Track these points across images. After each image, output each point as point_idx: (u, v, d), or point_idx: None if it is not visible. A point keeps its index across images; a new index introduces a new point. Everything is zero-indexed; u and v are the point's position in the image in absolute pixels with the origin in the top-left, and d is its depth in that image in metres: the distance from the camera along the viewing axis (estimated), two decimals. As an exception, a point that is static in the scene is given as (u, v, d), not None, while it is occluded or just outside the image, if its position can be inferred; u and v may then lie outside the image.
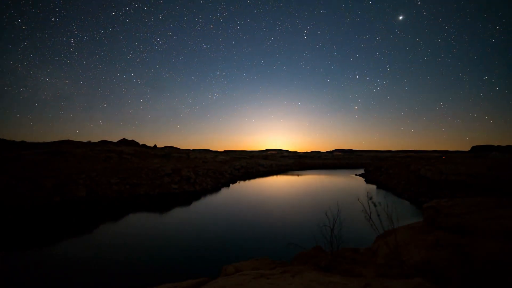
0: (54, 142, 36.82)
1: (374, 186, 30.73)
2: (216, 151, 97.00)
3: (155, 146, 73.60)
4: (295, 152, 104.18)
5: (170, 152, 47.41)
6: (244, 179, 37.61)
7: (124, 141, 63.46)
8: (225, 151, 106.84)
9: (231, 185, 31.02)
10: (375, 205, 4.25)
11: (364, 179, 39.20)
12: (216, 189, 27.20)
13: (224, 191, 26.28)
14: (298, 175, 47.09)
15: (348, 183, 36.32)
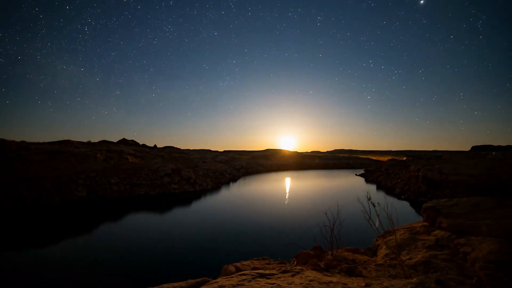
0: (54, 142, 36.82)
1: (374, 186, 30.74)
2: (216, 151, 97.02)
3: (155, 146, 73.60)
4: (295, 152, 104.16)
5: (170, 152, 47.43)
6: (244, 179, 37.61)
7: (124, 141, 63.45)
8: (225, 151, 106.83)
9: (231, 184, 31.02)
10: (374, 206, 4.25)
11: (364, 179, 39.21)
12: (216, 189, 27.19)
13: (224, 191, 26.27)
14: (298, 175, 47.09)
15: (348, 183, 36.33)
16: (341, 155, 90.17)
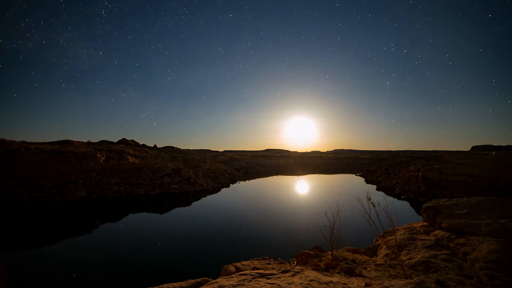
0: (54, 142, 36.85)
1: (374, 186, 30.74)
2: (216, 151, 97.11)
3: (155, 146, 73.63)
4: (295, 152, 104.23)
5: (170, 152, 47.44)
6: (244, 179, 37.62)
7: (124, 141, 63.45)
8: (225, 151, 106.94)
9: (231, 185, 31.03)
10: (374, 206, 4.26)
11: (364, 179, 39.21)
12: (216, 189, 27.20)
13: (224, 191, 26.28)
14: (298, 174, 47.10)
15: (348, 183, 36.35)
16: (342, 155, 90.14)
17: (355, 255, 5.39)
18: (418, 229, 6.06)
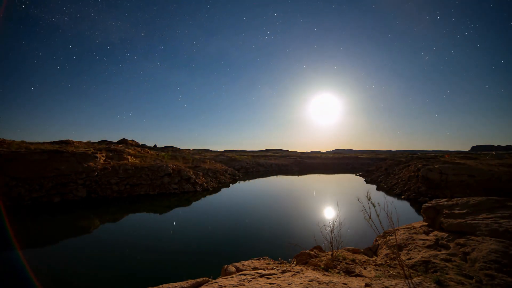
0: (54, 142, 36.83)
1: (374, 186, 30.73)
2: (216, 151, 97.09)
3: (155, 146, 73.64)
4: (295, 152, 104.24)
5: (170, 152, 47.43)
6: (244, 179, 37.61)
7: (124, 141, 63.43)
8: (225, 151, 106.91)
9: (231, 185, 31.02)
10: (374, 206, 4.25)
11: (364, 179, 39.20)
12: (216, 189, 27.20)
13: (224, 191, 26.28)
14: (298, 174, 47.09)
15: (348, 183, 36.33)
16: (342, 155, 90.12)
17: (355, 255, 5.39)
18: (418, 229, 6.06)
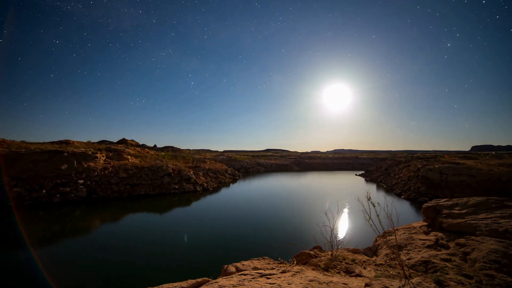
0: (54, 142, 36.82)
1: (374, 186, 30.74)
2: (216, 151, 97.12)
3: (155, 146, 73.63)
4: (295, 152, 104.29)
5: (170, 152, 47.44)
6: (244, 179, 37.62)
7: (124, 141, 63.43)
8: (225, 151, 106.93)
9: (231, 185, 31.02)
10: (374, 206, 4.25)
11: (364, 179, 39.22)
12: (216, 189, 27.20)
13: (224, 191, 26.28)
14: (298, 174, 47.10)
15: (348, 183, 36.32)
16: (342, 155, 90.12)
17: (355, 255, 5.39)
18: (418, 229, 6.06)
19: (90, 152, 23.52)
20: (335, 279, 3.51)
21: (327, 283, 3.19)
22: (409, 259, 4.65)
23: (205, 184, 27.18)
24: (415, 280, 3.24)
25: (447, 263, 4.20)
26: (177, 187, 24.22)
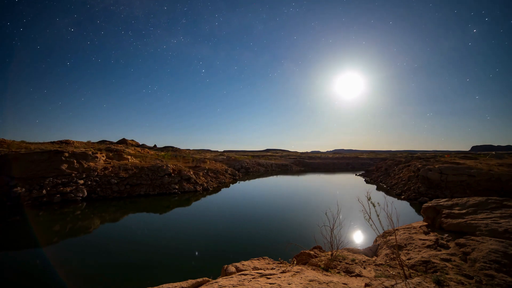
0: (54, 142, 36.82)
1: (374, 186, 30.74)
2: (216, 151, 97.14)
3: (155, 146, 73.65)
4: (295, 152, 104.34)
5: (170, 152, 47.43)
6: (244, 179, 37.62)
7: (124, 141, 63.43)
8: (225, 151, 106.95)
9: (231, 185, 31.03)
10: (374, 206, 4.26)
11: (364, 179, 39.21)
12: (216, 189, 27.21)
13: (224, 191, 26.28)
14: (298, 174, 47.10)
15: (348, 183, 36.32)
16: (342, 155, 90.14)
17: (355, 255, 5.39)
18: (418, 229, 6.06)
19: (90, 152, 23.52)
20: (335, 279, 3.51)
21: (327, 283, 3.19)
22: (409, 259, 4.66)
23: (205, 184, 27.18)
24: (415, 280, 3.24)
25: (447, 263, 4.20)
26: (177, 187, 24.22)
